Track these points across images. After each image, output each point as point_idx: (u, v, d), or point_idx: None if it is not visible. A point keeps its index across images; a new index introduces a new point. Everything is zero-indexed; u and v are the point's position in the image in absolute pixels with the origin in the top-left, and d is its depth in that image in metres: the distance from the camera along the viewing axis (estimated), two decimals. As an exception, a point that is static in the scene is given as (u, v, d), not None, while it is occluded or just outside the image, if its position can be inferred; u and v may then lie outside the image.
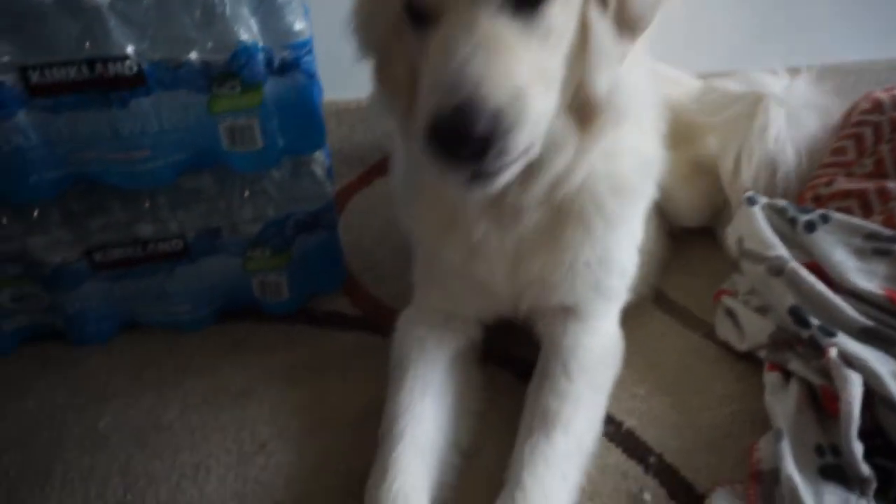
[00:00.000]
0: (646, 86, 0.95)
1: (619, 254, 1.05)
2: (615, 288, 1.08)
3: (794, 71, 1.45)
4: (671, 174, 1.35)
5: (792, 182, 1.34)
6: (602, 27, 0.82)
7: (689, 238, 1.42)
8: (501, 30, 0.74)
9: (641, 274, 1.17)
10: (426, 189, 1.01)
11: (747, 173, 1.33)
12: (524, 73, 0.75)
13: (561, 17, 0.78)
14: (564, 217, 0.97)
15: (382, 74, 0.94)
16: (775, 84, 1.39)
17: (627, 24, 0.83)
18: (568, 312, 1.07)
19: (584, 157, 0.89)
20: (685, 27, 2.01)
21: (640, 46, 0.88)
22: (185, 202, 1.19)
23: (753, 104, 1.35)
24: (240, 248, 1.23)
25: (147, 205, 1.18)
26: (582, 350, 1.03)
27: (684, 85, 1.54)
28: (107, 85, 1.05)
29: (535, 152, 0.80)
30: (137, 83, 1.06)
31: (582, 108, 0.85)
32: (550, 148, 0.85)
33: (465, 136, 0.70)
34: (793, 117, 1.34)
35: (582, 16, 0.81)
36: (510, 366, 1.15)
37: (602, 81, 0.83)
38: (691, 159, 1.38)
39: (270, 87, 1.13)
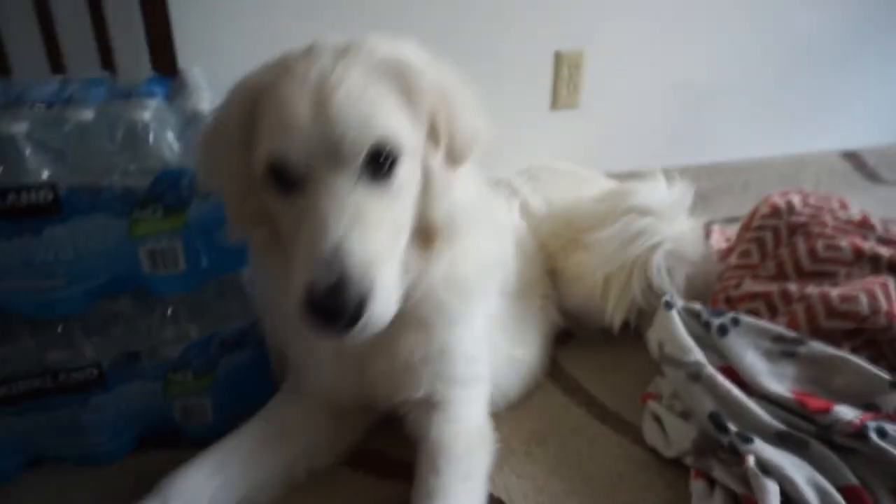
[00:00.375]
0: (481, 200, 1.07)
1: (459, 345, 1.10)
2: (464, 374, 1.12)
3: (690, 171, 1.56)
4: (585, 279, 1.41)
5: (665, 284, 1.38)
6: (437, 166, 0.93)
7: (621, 338, 1.45)
8: (364, 198, 0.83)
9: (524, 355, 1.31)
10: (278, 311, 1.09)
11: (609, 283, 1.40)
12: (385, 239, 0.84)
13: (409, 171, 0.88)
14: (405, 323, 1.01)
15: (237, 213, 0.97)
16: (646, 190, 1.45)
17: (455, 159, 0.95)
18: (428, 404, 1.09)
19: (427, 274, 0.98)
20: (601, 130, 2.17)
21: (469, 171, 1.00)
22: (102, 326, 1.14)
23: (623, 211, 1.42)
24: (160, 371, 1.18)
25: (59, 330, 1.13)
26: (446, 440, 1.05)
27: (596, 186, 1.63)
28: (20, 214, 1.02)
29: (394, 306, 0.86)
30: (53, 210, 1.04)
31: (423, 234, 0.95)
32: (400, 272, 0.90)
33: (342, 311, 0.77)
34: (659, 224, 1.40)
35: (423, 161, 0.91)
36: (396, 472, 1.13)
37: (441, 209, 0.94)
38: None
39: (194, 208, 1.13)
